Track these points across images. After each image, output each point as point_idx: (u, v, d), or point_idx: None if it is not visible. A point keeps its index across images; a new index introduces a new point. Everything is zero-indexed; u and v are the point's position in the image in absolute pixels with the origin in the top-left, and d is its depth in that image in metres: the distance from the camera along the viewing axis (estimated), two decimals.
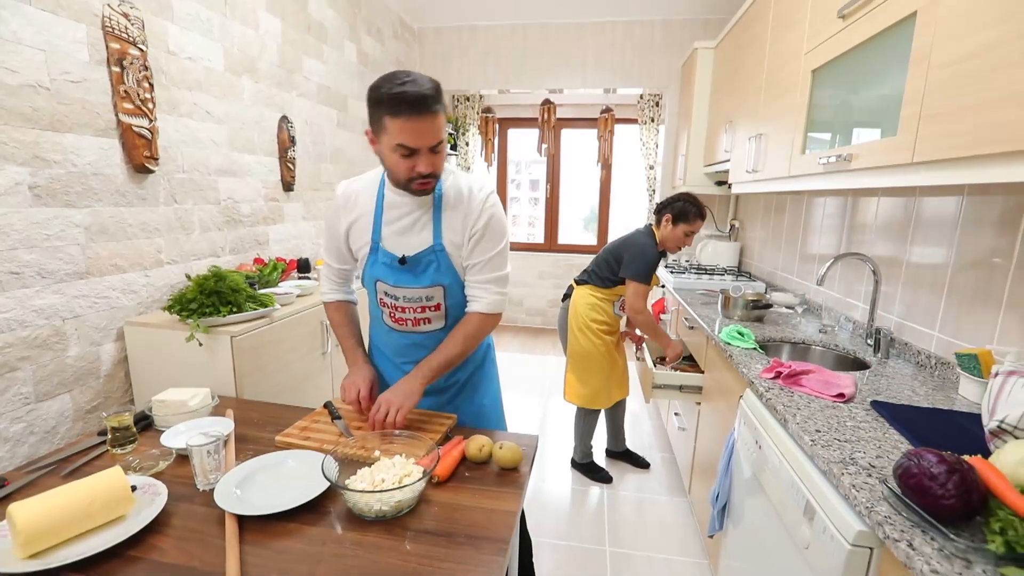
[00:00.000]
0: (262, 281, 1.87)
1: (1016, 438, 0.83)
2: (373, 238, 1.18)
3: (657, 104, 4.40)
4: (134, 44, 1.51)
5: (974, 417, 1.09)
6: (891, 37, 1.19)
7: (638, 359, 2.38)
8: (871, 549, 0.79)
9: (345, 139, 2.84)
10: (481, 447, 1.08)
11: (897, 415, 1.10)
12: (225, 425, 1.18)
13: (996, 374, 0.92)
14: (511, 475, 1.06)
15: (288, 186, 2.32)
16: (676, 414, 2.40)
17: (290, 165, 2.30)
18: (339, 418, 1.27)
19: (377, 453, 1.05)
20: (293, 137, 2.30)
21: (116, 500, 0.86)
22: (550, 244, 5.10)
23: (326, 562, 0.79)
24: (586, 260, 4.81)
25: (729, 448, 1.41)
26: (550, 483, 2.36)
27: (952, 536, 0.68)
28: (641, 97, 4.45)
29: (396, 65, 3.48)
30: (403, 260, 1.17)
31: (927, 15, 1.05)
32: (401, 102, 0.97)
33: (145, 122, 1.56)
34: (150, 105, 1.58)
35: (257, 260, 2.06)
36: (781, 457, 1.07)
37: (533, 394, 3.43)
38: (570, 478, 2.41)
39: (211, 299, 1.41)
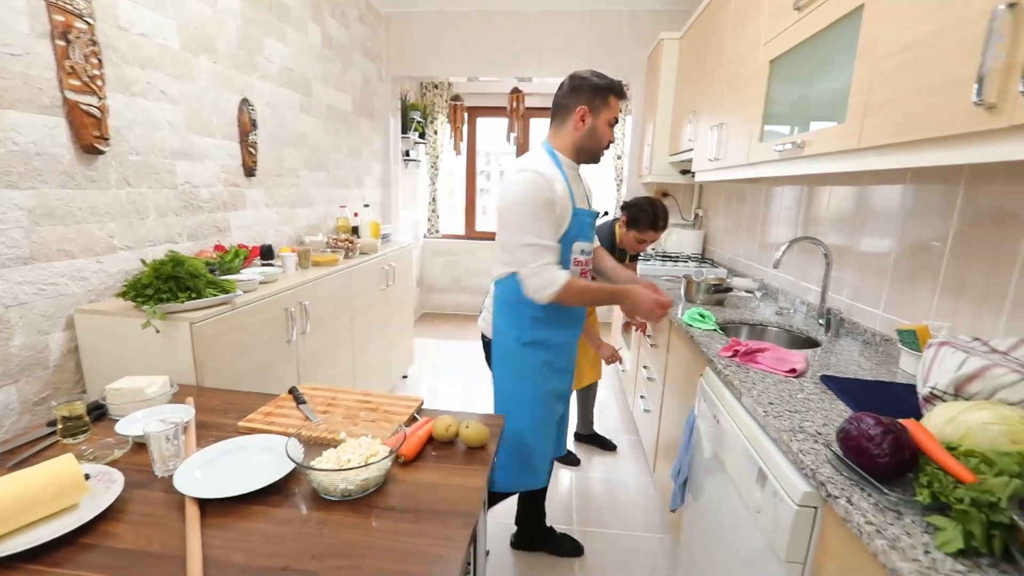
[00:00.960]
0: (223, 268, 1.81)
1: (945, 402, 0.90)
2: (573, 201, 1.35)
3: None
4: (80, 17, 1.44)
5: (912, 387, 1.16)
6: (841, 29, 1.24)
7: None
8: (815, 508, 0.84)
9: (309, 124, 2.77)
10: (448, 427, 1.09)
11: (844, 387, 1.16)
12: (185, 412, 1.15)
13: (930, 346, 0.99)
14: (478, 453, 1.07)
15: (250, 171, 2.25)
16: (642, 396, 2.47)
17: (252, 150, 2.23)
18: (304, 402, 1.26)
19: (343, 435, 1.05)
20: (255, 121, 2.24)
21: (68, 487, 0.83)
22: None
23: (291, 541, 0.79)
24: None
25: (690, 425, 1.46)
26: None
27: (886, 491, 0.73)
28: None
29: (362, 49, 3.41)
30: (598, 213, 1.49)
31: (873, 8, 1.10)
32: (620, 87, 1.38)
33: (94, 100, 1.49)
34: (99, 82, 1.50)
35: (218, 247, 2.00)
36: (737, 429, 1.13)
37: None
38: None
39: (168, 284, 1.36)
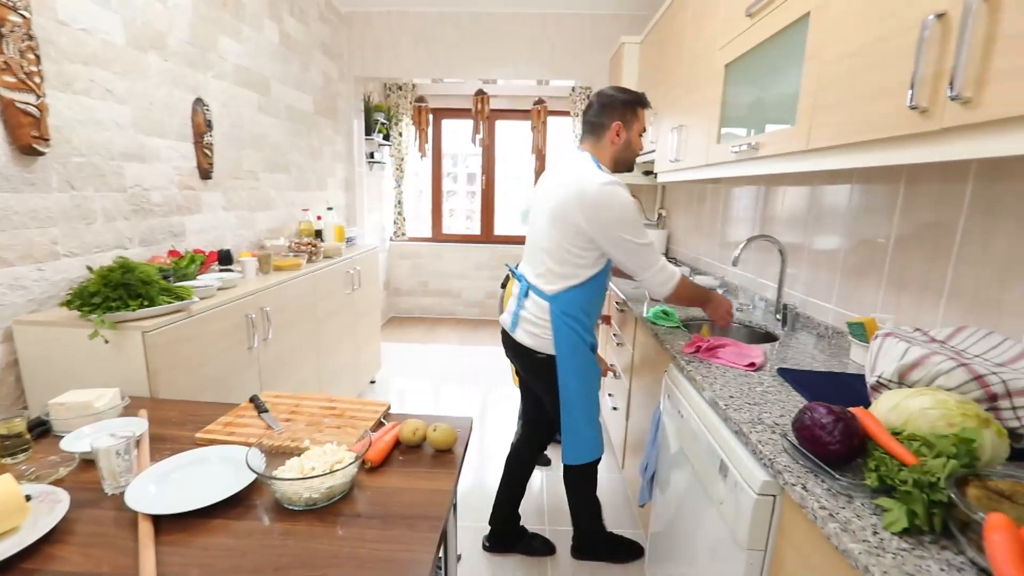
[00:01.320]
0: (178, 274, 1.74)
1: (890, 389, 0.95)
2: None
3: (588, 98, 4.52)
4: (14, 9, 1.35)
5: (861, 377, 1.23)
6: (790, 35, 1.30)
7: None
8: (774, 496, 0.87)
9: (268, 124, 2.69)
10: (415, 430, 1.08)
11: (798, 379, 1.21)
12: (138, 425, 1.10)
13: (876, 337, 1.04)
14: (446, 456, 1.07)
15: (206, 173, 2.17)
16: (609, 395, 2.51)
17: (207, 151, 2.15)
18: (266, 411, 1.22)
19: (307, 442, 1.02)
20: (210, 121, 2.16)
21: (6, 510, 0.78)
22: (487, 235, 5.12)
23: (253, 554, 0.77)
24: (523, 251, 4.89)
25: (656, 420, 1.49)
26: (490, 471, 2.39)
27: (837, 476, 0.77)
28: (573, 90, 4.55)
29: (322, 48, 3.34)
30: None
31: (819, 15, 1.16)
32: (645, 98, 1.50)
33: (31, 98, 1.40)
34: (37, 79, 1.42)
35: (172, 252, 1.92)
36: (700, 423, 1.16)
37: (473, 384, 3.45)
38: None
39: (118, 292, 1.30)
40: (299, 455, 0.97)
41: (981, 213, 1.10)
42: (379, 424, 1.20)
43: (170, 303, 1.41)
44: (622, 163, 1.52)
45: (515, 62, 3.72)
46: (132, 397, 1.31)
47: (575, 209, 1.37)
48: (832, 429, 0.79)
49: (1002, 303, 1.05)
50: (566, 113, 4.73)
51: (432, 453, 1.08)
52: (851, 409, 0.86)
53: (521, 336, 1.54)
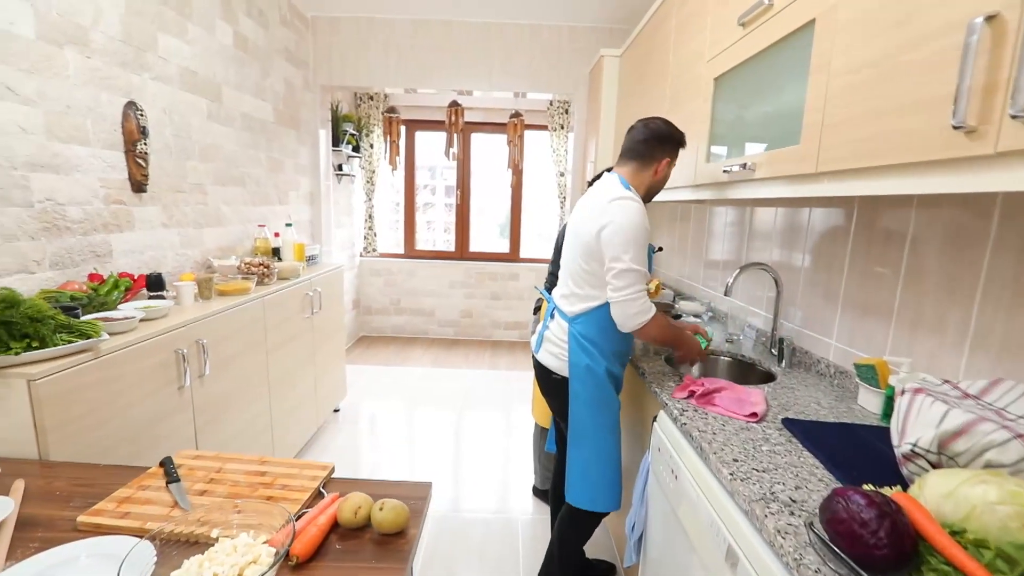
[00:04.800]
0: (95, 303, 1.50)
1: (929, 461, 0.79)
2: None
3: (566, 112, 4.41)
4: None
5: (876, 431, 1.08)
6: (791, 45, 1.16)
7: None
8: None
9: (220, 133, 2.46)
10: (356, 509, 0.88)
11: (808, 434, 1.05)
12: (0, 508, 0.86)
13: (903, 391, 0.89)
14: (395, 542, 0.87)
15: (139, 186, 1.93)
16: None
17: (141, 161, 1.92)
18: (177, 480, 1.00)
19: (216, 533, 0.81)
20: (144, 128, 1.93)
21: None
22: (461, 252, 4.93)
23: None
24: (499, 268, 4.74)
25: (644, 474, 1.32)
26: (466, 511, 2.18)
27: None
28: (551, 104, 4.43)
29: (284, 54, 3.13)
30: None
31: (825, 22, 1.02)
32: (685, 139, 1.51)
33: None
34: None
35: (93, 276, 1.67)
36: (699, 491, 0.98)
37: (447, 408, 3.23)
38: (489, 504, 2.24)
39: None
40: (204, 552, 0.76)
41: (1013, 250, 0.97)
42: (317, 495, 0.99)
43: (70, 343, 1.18)
44: (652, 193, 1.50)
45: (491, 73, 3.58)
46: (14, 461, 1.07)
47: (593, 222, 1.35)
48: (876, 528, 0.63)
49: None
50: (543, 127, 4.60)
51: (378, 537, 0.87)
52: (892, 494, 0.70)
53: (543, 356, 1.53)
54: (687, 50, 1.81)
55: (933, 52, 0.75)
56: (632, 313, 1.32)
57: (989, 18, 0.67)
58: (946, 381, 0.93)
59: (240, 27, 2.62)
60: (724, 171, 1.42)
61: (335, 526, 0.89)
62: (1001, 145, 0.65)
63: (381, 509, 0.88)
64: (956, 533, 0.62)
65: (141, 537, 0.74)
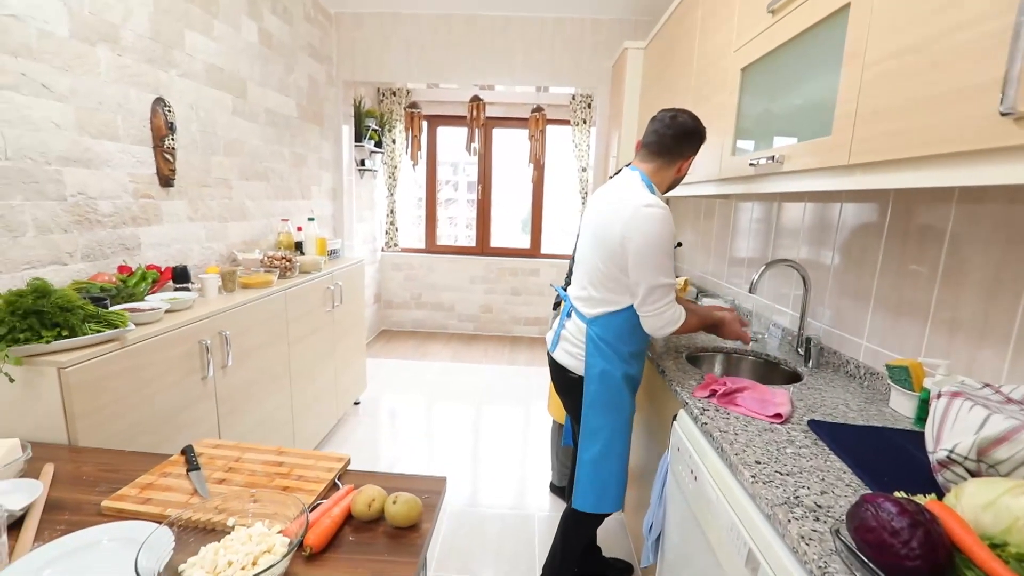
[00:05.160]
0: (123, 294, 1.54)
1: (967, 469, 0.75)
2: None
3: (589, 106, 4.36)
4: None
5: (908, 435, 1.03)
6: (824, 31, 1.11)
7: None
8: None
9: (244, 129, 2.51)
10: (371, 502, 0.88)
11: (835, 437, 1.01)
12: (28, 490, 0.89)
13: (939, 395, 0.85)
14: (408, 535, 0.86)
15: (167, 181, 1.98)
16: None
17: (168, 156, 1.96)
18: (197, 468, 1.02)
19: (232, 521, 0.82)
20: (172, 123, 1.97)
21: None
22: (482, 247, 4.93)
23: None
24: (520, 264, 4.72)
25: (663, 474, 1.29)
26: (483, 506, 2.18)
27: None
28: (573, 98, 4.39)
29: (308, 50, 3.17)
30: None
31: (861, 7, 0.97)
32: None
33: None
34: None
35: (122, 268, 1.72)
36: (719, 493, 0.96)
37: (466, 403, 3.24)
38: (506, 500, 2.23)
39: (28, 321, 1.10)
40: (220, 539, 0.77)
41: None
42: (333, 487, 1.00)
43: (98, 332, 1.21)
44: (670, 188, 1.49)
45: (513, 68, 3.56)
46: (45, 446, 1.11)
47: (617, 229, 1.31)
48: (908, 538, 0.59)
49: None
50: (566, 122, 4.56)
51: (392, 531, 0.87)
52: (926, 502, 0.66)
53: (560, 355, 1.51)
54: (713, 40, 1.76)
55: (980, 35, 0.71)
56: (662, 325, 1.32)
57: None
58: (987, 385, 0.88)
59: (265, 23, 2.66)
60: (751, 164, 1.37)
61: (349, 518, 0.89)
62: None
63: (395, 502, 0.87)
64: (996, 546, 0.59)
65: (160, 523, 0.75)
